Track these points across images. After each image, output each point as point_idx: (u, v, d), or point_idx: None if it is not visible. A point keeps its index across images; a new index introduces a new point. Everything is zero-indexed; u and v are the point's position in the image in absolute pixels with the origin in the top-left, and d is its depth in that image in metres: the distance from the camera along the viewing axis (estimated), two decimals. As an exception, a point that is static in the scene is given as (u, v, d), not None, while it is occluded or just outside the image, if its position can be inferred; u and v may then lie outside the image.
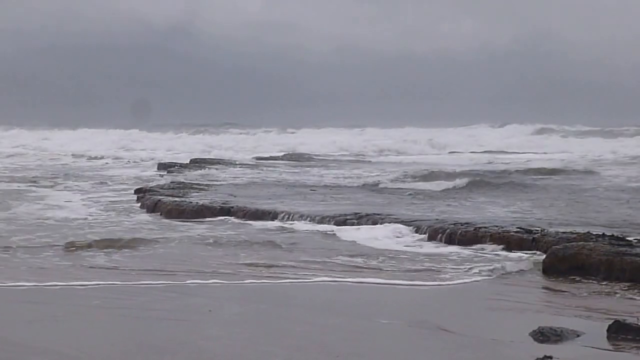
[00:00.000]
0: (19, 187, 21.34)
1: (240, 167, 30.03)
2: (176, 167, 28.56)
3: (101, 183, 22.98)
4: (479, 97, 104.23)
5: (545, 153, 41.15)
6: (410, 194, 18.80)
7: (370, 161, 35.81)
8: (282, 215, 14.87)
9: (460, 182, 21.04)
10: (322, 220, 14.31)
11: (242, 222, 14.75)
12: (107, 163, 34.05)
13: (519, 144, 48.28)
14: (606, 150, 39.94)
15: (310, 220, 14.39)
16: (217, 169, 29.40)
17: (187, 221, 14.96)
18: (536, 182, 21.89)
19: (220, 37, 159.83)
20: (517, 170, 26.03)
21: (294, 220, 14.51)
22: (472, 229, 12.14)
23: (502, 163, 32.15)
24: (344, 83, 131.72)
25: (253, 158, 37.96)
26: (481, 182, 21.43)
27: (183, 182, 21.89)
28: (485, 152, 43.35)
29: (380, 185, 21.50)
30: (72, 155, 38.87)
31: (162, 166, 29.33)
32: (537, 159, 34.76)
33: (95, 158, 37.08)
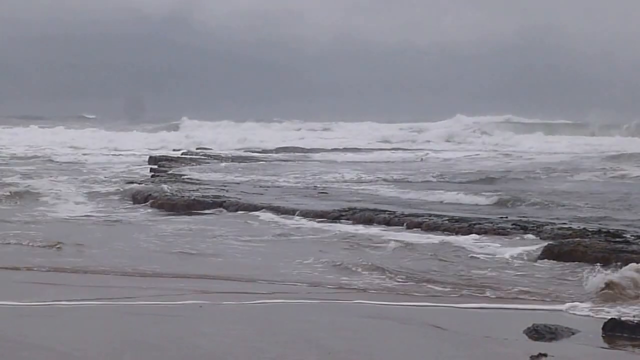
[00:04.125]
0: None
1: (232, 162, 30.02)
2: (167, 161, 28.51)
3: (95, 178, 22.81)
4: (481, 90, 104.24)
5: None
6: None
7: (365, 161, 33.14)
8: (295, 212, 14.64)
9: None
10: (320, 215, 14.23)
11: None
12: (98, 157, 33.84)
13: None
14: None
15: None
16: (208, 162, 29.42)
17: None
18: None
19: (218, 26, 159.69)
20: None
21: (298, 217, 14.30)
22: (466, 224, 12.11)
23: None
24: (343, 75, 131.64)
25: (246, 151, 38.00)
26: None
27: (174, 175, 21.87)
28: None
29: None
30: (64, 149, 38.70)
31: (153, 160, 29.23)
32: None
33: (88, 153, 36.94)
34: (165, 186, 18.28)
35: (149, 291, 8.50)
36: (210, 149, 39.18)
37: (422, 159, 32.17)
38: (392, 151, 38.74)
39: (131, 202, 16.84)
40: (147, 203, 16.31)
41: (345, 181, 21.65)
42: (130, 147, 40.34)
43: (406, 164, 29.40)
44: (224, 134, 50.31)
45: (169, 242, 11.84)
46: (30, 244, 11.32)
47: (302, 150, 38.92)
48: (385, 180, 21.82)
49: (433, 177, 22.50)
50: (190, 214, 15.13)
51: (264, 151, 38.26)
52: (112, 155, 34.49)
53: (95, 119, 72.48)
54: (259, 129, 57.47)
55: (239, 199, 16.24)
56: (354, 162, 30.14)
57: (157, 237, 12.22)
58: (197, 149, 38.64)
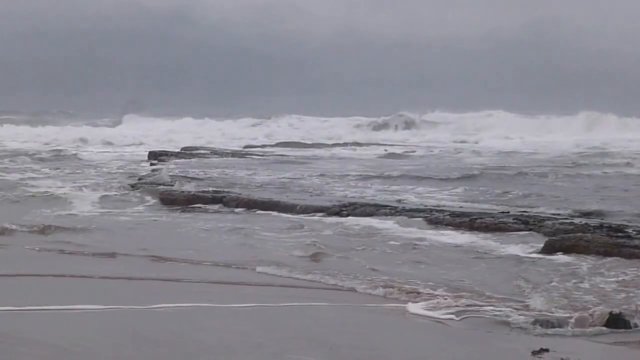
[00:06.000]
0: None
1: (232, 157, 30.08)
2: (167, 156, 28.52)
3: (95, 173, 22.82)
4: (485, 85, 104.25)
5: None
6: None
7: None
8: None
9: None
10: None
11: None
12: (98, 152, 33.87)
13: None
14: None
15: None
16: (208, 157, 29.46)
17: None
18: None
19: (219, 20, 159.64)
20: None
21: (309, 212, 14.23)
22: (467, 219, 12.08)
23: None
24: (346, 69, 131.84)
25: (245, 147, 38.12)
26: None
27: (178, 171, 21.88)
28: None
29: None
30: (65, 143, 38.69)
31: (153, 155, 29.24)
32: None
33: (90, 147, 36.95)
34: (188, 184, 18.24)
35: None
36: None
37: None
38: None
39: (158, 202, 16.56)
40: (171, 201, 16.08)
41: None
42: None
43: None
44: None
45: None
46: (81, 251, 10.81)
47: (304, 145, 39.12)
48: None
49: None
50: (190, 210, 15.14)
51: (264, 146, 38.50)
52: (100, 152, 34.30)
53: (73, 114, 72.41)
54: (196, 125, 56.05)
55: (239, 194, 16.24)
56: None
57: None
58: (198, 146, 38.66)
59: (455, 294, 8.13)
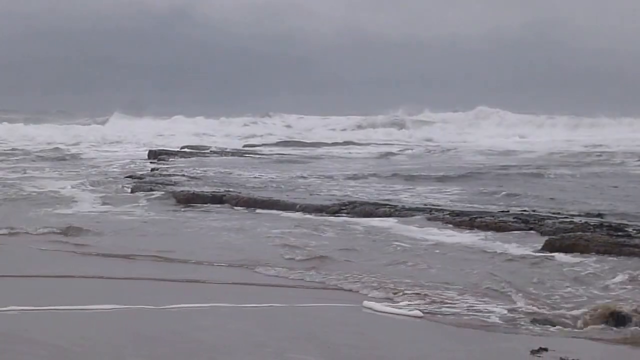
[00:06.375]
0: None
1: (232, 156, 30.13)
2: (167, 155, 28.55)
3: (94, 172, 22.81)
4: (485, 85, 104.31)
5: None
6: None
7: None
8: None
9: None
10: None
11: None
12: (98, 150, 33.87)
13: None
14: None
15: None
16: (208, 156, 29.51)
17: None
18: None
19: (220, 20, 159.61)
20: None
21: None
22: (467, 218, 12.08)
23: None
24: (347, 68, 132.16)
25: (244, 146, 38.18)
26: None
27: (173, 170, 21.90)
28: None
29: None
30: (64, 142, 38.67)
31: (152, 154, 29.26)
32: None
33: (89, 145, 36.91)
34: (188, 183, 18.20)
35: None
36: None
37: None
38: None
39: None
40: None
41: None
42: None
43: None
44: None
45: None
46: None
47: (303, 144, 39.19)
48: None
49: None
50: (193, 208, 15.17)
51: (264, 145, 38.55)
52: (100, 150, 34.23)
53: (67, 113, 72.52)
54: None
55: (239, 193, 16.27)
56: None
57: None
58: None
59: (444, 292, 8.16)
